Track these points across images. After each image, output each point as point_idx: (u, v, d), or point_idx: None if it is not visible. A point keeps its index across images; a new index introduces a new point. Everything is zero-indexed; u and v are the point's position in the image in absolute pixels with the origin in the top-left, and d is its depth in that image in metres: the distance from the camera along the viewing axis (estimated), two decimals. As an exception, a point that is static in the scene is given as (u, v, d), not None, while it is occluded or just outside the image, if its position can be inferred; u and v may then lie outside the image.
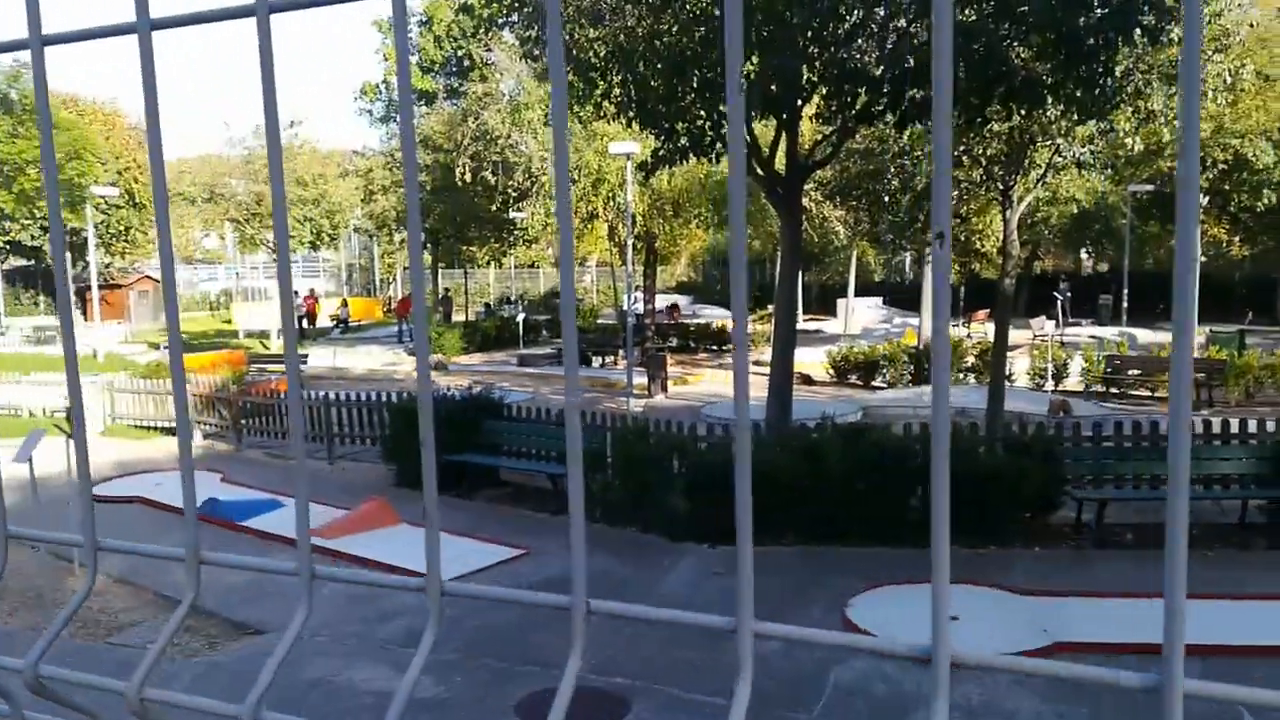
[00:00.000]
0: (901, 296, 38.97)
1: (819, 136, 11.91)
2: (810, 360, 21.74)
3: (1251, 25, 11.57)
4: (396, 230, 33.63)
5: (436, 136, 28.50)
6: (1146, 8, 8.47)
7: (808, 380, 20.89)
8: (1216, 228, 28.51)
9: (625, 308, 18.95)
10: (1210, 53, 10.64)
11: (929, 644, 0.67)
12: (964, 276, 27.15)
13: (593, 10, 10.23)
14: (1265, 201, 22.47)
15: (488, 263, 40.36)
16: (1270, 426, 9.91)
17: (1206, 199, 23.31)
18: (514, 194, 24.33)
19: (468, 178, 25.33)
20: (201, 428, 15.84)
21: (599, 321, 34.29)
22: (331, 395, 14.53)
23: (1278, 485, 9.07)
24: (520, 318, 29.94)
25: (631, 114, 10.63)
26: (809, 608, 7.58)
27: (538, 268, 49.38)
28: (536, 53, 11.00)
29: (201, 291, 50.76)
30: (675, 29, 9.84)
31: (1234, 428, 9.93)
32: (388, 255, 47.19)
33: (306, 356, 24.14)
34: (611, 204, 23.22)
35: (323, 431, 14.06)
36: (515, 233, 30.66)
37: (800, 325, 33.99)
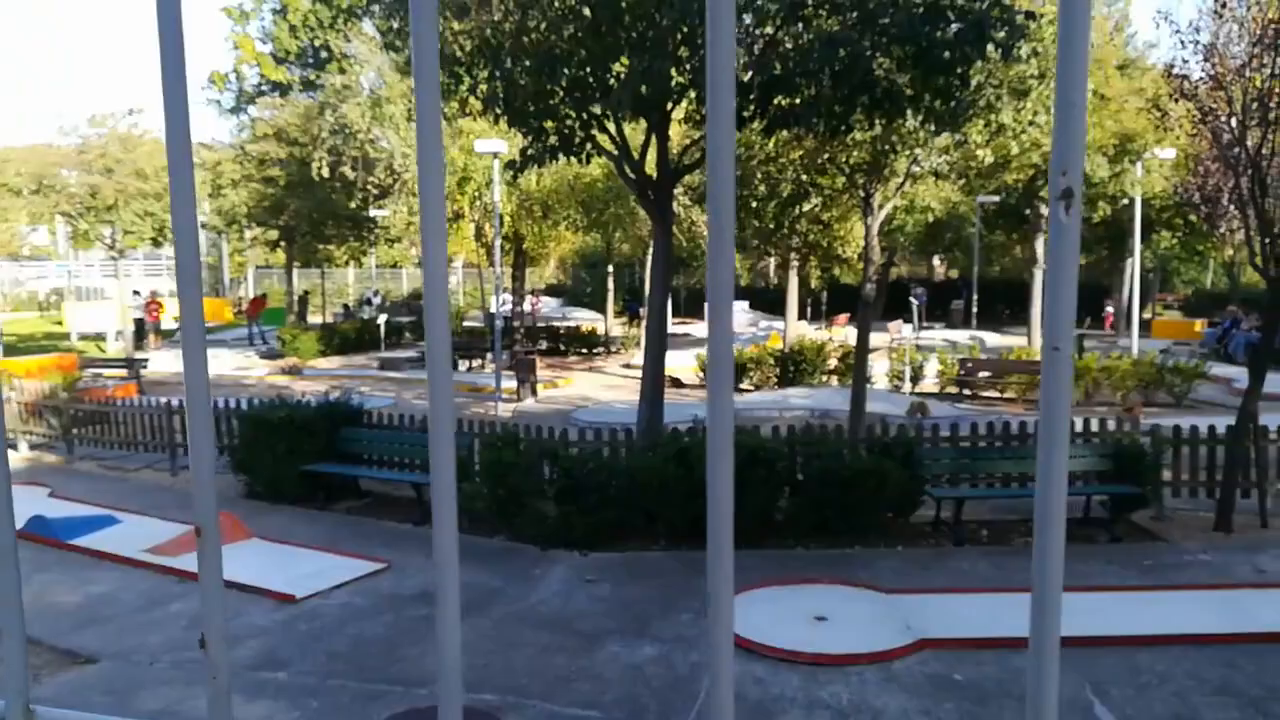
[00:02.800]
0: (767, 301, 39.89)
1: (689, 141, 11.92)
2: (681, 363, 21.89)
3: (1090, 46, 12.27)
4: (247, 227, 31.99)
5: (291, 130, 27.26)
6: (999, 24, 8.82)
7: (678, 383, 21.02)
8: (1055, 238, 30.26)
9: (493, 310, 18.57)
10: (1054, 71, 11.21)
11: None
12: (826, 281, 27.96)
13: (458, 3, 9.90)
14: (1100, 214, 24.05)
15: (347, 262, 38.94)
16: (1110, 426, 10.52)
17: (1047, 210, 24.72)
18: (375, 191, 23.52)
19: (325, 173, 24.32)
20: (27, 438, 14.57)
21: (466, 324, 33.63)
22: (175, 402, 13.61)
23: (1115, 481, 9.60)
24: (382, 320, 29.01)
25: (499, 111, 10.35)
26: (680, 612, 7.52)
27: (400, 268, 48.08)
28: (398, 44, 10.57)
29: (29, 290, 47.02)
30: (544, 26, 9.63)
31: (1078, 427, 10.48)
32: (238, 253, 44.90)
33: (146, 361, 22.61)
34: (478, 203, 22.74)
35: (165, 441, 13.17)
36: (376, 231, 29.69)
37: (671, 329, 34.38)
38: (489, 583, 8.35)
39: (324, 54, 28.50)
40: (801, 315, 30.73)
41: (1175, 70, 10.21)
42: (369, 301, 37.96)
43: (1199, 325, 29.17)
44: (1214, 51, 9.86)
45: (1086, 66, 0.54)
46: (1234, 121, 9.43)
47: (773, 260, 34.66)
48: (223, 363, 25.64)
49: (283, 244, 33.17)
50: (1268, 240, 9.26)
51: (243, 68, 35.10)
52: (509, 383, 19.27)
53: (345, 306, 38.52)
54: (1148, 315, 33.52)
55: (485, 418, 12.80)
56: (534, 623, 7.40)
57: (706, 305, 0.61)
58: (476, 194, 22.54)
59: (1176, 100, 10.30)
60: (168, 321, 30.08)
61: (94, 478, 12.96)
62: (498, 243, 17.20)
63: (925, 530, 9.69)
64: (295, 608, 7.72)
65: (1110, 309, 29.95)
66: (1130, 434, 10.21)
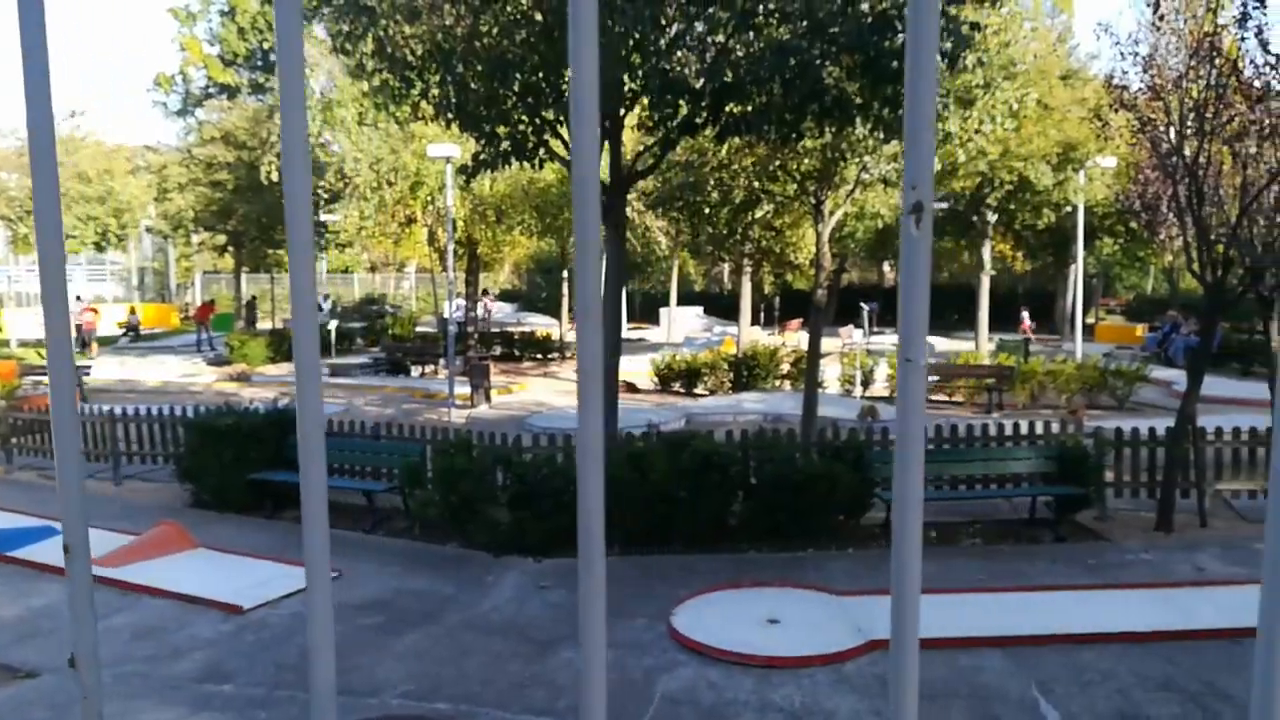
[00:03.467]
0: (721, 306, 40.12)
1: (642, 147, 11.96)
2: (635, 368, 21.92)
3: (1034, 57, 12.62)
4: (194, 231, 31.39)
5: (240, 133, 26.80)
6: (945, 34, 8.98)
7: (632, 388, 21.06)
8: (1002, 244, 30.97)
9: (446, 315, 18.44)
10: (999, 81, 11.49)
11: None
12: (779, 287, 28.18)
13: (408, 7, 9.83)
14: (1045, 220, 24.57)
15: (298, 267, 38.31)
16: (1055, 428, 10.74)
17: (994, 217, 25.26)
18: (325, 196, 23.24)
19: (275, 177, 23.93)
20: (-38, 448, 14.14)
21: (419, 329, 33.32)
22: (118, 410, 13.30)
23: (1059, 483, 9.80)
24: (332, 325, 28.64)
25: (451, 116, 10.29)
26: (634, 617, 7.52)
27: (352, 273, 47.52)
28: (348, 48, 10.46)
29: (-35, 296, 45.61)
30: (496, 30, 9.60)
31: (1023, 429, 10.69)
32: (185, 258, 44.04)
33: (89, 368, 22.07)
34: (431, 208, 22.56)
35: (108, 450, 12.87)
36: (327, 236, 29.31)
37: (625, 334, 34.39)
38: (441, 590, 8.28)
39: (273, 57, 28.08)
40: (755, 320, 30.97)
41: (1115, 81, 10.47)
42: (319, 307, 37.41)
43: (1140, 330, 29.94)
44: (1152, 63, 10.14)
45: (934, 88, 0.56)
46: (1172, 131, 9.70)
47: (726, 266, 34.88)
48: (169, 369, 25.12)
49: (231, 249, 32.59)
50: (1205, 247, 9.53)
51: (189, 70, 34.45)
52: (462, 389, 19.14)
53: (295, 312, 37.87)
54: (1091, 320, 34.30)
55: (438, 424, 12.69)
56: (487, 630, 7.35)
57: (575, 323, 0.61)
58: (429, 199, 22.36)
59: (1116, 110, 10.57)
60: (105, 327, 29.40)
61: (34, 488, 12.62)
62: (450, 247, 17.08)
63: (876, 532, 9.80)
64: (242, 618, 7.59)
65: (1026, 316, 30.80)
66: (1074, 436, 10.45)
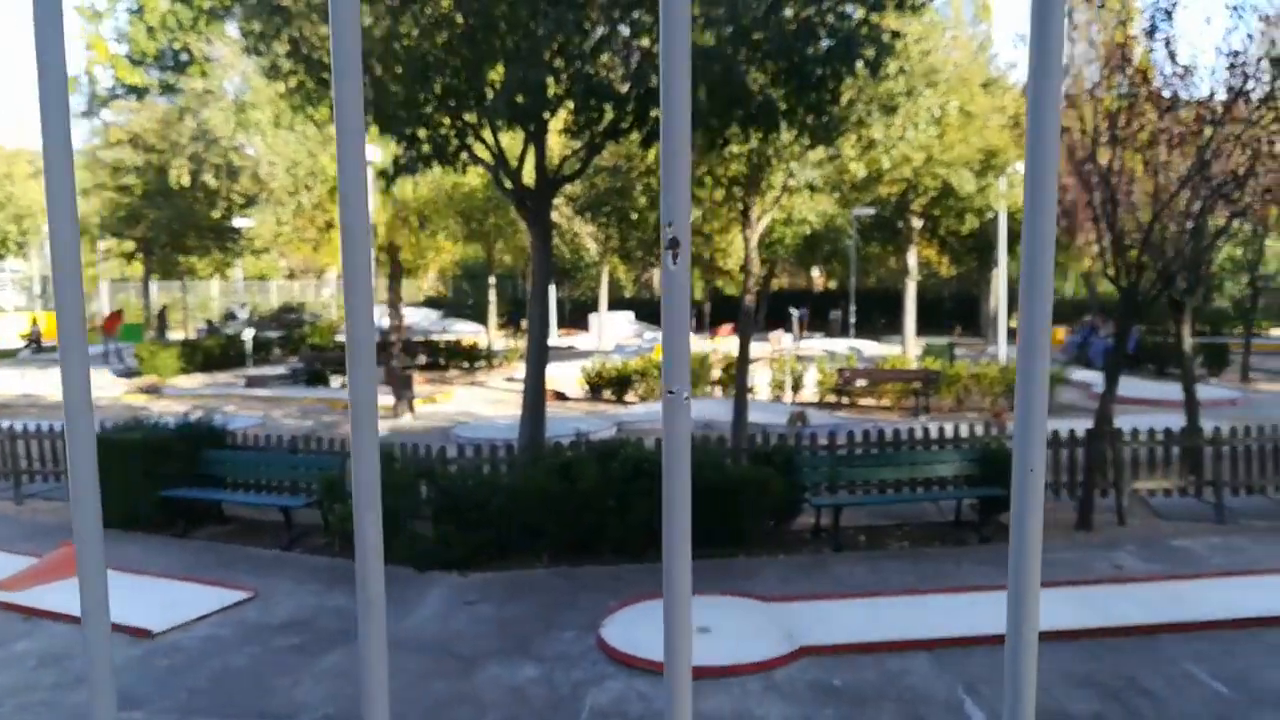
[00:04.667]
0: (652, 311, 40.14)
1: (568, 151, 11.82)
2: (565, 376, 21.71)
3: (955, 65, 12.86)
4: (100, 238, 30.16)
5: (148, 135, 25.83)
6: (868, 42, 9.05)
7: (562, 396, 20.84)
8: (928, 249, 31.63)
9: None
10: (922, 88, 11.66)
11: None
12: (709, 293, 28.27)
13: (324, 7, 9.53)
14: (968, 226, 25.12)
15: (211, 275, 37.19)
16: (979, 431, 10.91)
17: (919, 223, 25.74)
18: (240, 200, 22.52)
19: (186, 181, 23.15)
20: None
21: (339, 338, 32.55)
22: (19, 426, 12.62)
23: (986, 484, 9.94)
24: (248, 335, 27.79)
25: (369, 119, 10.01)
26: (563, 629, 7.36)
27: (269, 280, 46.26)
28: (261, 49, 10.10)
29: None
30: (416, 32, 9.36)
31: (949, 433, 10.83)
32: (91, 266, 42.30)
33: (-11, 381, 20.97)
34: (352, 214, 22.01)
35: (8, 468, 12.20)
36: (242, 242, 28.44)
37: (554, 341, 34.13)
38: (363, 609, 7.99)
39: (184, 57, 27.18)
40: (684, 326, 30.93)
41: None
42: (234, 316, 36.35)
43: (1061, 333, 30.83)
44: (1068, 72, 10.39)
45: (689, 127, 0.55)
46: (1087, 139, 9.94)
47: (657, 271, 34.88)
48: (74, 382, 24.00)
49: (140, 256, 31.40)
50: (1118, 252, 9.79)
51: (95, 70, 33.14)
52: (385, 399, 18.70)
53: (209, 321, 36.78)
54: (1014, 324, 35.20)
55: (360, 435, 12.33)
56: (411, 648, 7.11)
57: (346, 344, 0.61)
58: (350, 204, 21.79)
59: (1032, 118, 10.79)
60: (5, 339, 28.05)
61: (-78, 510, 11.88)
62: (372, 253, 16.66)
63: (805, 537, 9.81)
64: (152, 643, 7.21)
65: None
66: (997, 438, 10.62)
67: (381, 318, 25.81)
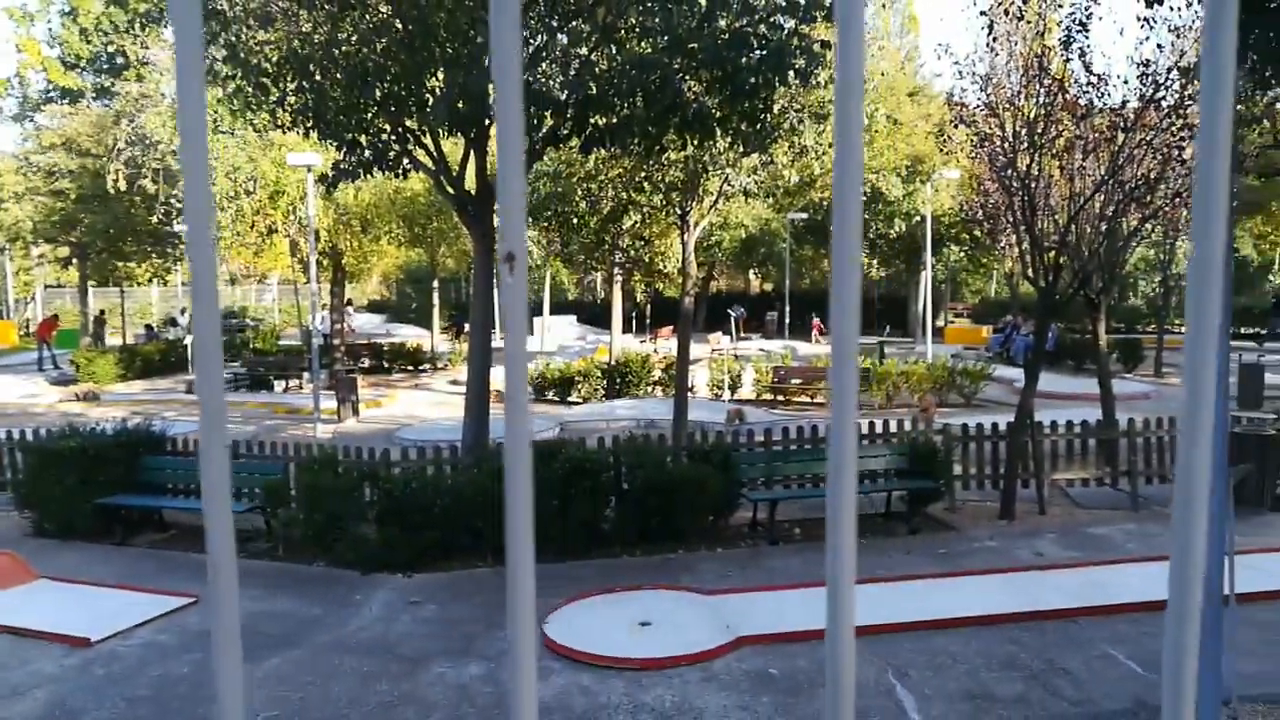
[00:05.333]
0: (594, 314, 40.31)
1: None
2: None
3: (883, 74, 13.30)
4: (34, 243, 29.39)
5: (83, 139, 25.28)
6: (799, 52, 9.35)
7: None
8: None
9: (311, 327, 17.90)
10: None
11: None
12: (649, 295, 28.57)
13: (262, 12, 9.56)
14: (896, 230, 25.79)
15: (150, 280, 36.44)
16: (907, 426, 11.31)
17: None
18: (179, 205, 22.18)
19: (122, 186, 22.73)
20: None
21: (282, 343, 32.17)
22: (-53, 436, 12.36)
23: (913, 478, 10.33)
24: (188, 340, 27.33)
25: (309, 124, 10.05)
26: (506, 630, 7.51)
27: (211, 286, 45.30)
28: (199, 52, 10.07)
29: None
30: (355, 38, 9.43)
31: (879, 428, 11.21)
32: (24, 272, 41.14)
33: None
34: (293, 218, 21.87)
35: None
36: (182, 247, 27.95)
37: (498, 343, 34.09)
38: (307, 611, 8.06)
39: (120, 60, 26.64)
40: (627, 328, 31.24)
41: (955, 98, 11.13)
42: (175, 321, 35.68)
43: (985, 331, 31.74)
44: (989, 82, 10.83)
45: (522, 150, 0.59)
46: (1007, 146, 10.38)
47: (599, 274, 35.07)
48: (8, 390, 23.44)
49: (75, 261, 30.67)
50: (1037, 254, 10.23)
51: (27, 73, 32.26)
52: (329, 403, 18.61)
53: (149, 327, 36.03)
54: (941, 323, 36.13)
55: (303, 440, 12.32)
56: (355, 650, 7.21)
57: (194, 347, 0.62)
58: (291, 208, 21.66)
59: (957, 126, 11.23)
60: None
61: None
62: (313, 258, 16.61)
63: (743, 532, 10.09)
64: (90, 651, 7.19)
65: (817, 319, 32.63)
66: (925, 433, 11.03)
67: (325, 321, 25.60)
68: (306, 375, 22.61)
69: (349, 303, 33.67)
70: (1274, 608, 7.40)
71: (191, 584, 8.66)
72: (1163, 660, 0.57)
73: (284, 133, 12.89)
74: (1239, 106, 10.10)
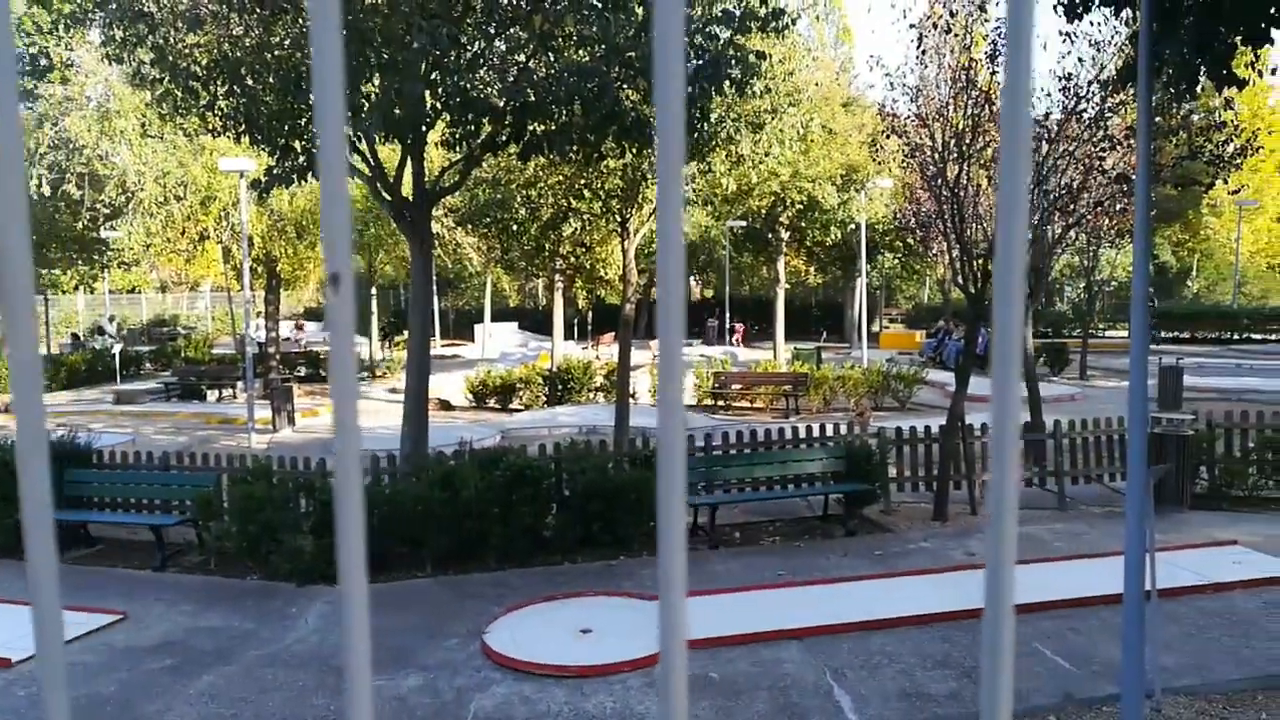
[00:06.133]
0: (536, 321, 40.19)
1: (447, 163, 11.89)
2: (450, 385, 21.61)
3: (817, 84, 13.53)
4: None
5: (4, 142, 24.37)
6: (734, 62, 9.48)
7: (447, 406, 20.76)
8: (796, 259, 32.81)
9: (245, 335, 17.55)
10: (785, 106, 12.23)
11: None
12: (591, 301, 28.61)
13: (191, 14, 9.37)
14: (833, 237, 26.23)
15: (76, 288, 35.36)
16: (843, 430, 11.50)
17: (787, 234, 26.75)
18: (105, 211, 21.58)
19: (46, 191, 22.02)
20: None
21: (215, 351, 31.46)
22: None
23: (849, 480, 10.51)
24: (116, 349, 26.59)
25: (241, 129, 9.87)
26: (447, 638, 7.46)
27: (139, 292, 44.20)
28: (125, 56, 9.83)
29: None
30: (288, 42, 9.30)
31: (816, 432, 11.38)
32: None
33: None
34: (225, 224, 21.43)
35: None
36: (109, 254, 27.20)
37: (439, 350, 33.77)
38: (240, 626, 7.90)
39: (43, 62, 25.83)
40: (569, 335, 31.24)
41: (887, 109, 11.37)
42: (103, 330, 34.65)
43: (919, 337, 32.42)
44: (919, 93, 11.09)
45: (344, 175, 0.58)
46: (937, 156, 10.64)
47: (540, 281, 34.98)
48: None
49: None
50: (966, 261, 10.50)
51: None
52: (264, 413, 18.26)
53: (75, 335, 34.96)
54: (876, 328, 36.81)
55: (236, 451, 12.08)
56: (291, 663, 7.09)
57: (9, 363, 0.60)
58: (223, 214, 21.23)
59: (888, 136, 11.48)
60: None
61: None
62: (246, 265, 16.30)
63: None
64: (11, 672, 6.96)
65: (739, 325, 33.20)
66: (860, 436, 11.23)
67: (259, 330, 25.10)
68: (240, 384, 22.14)
69: (300, 327, 33.05)
70: (1193, 603, 7.68)
71: (120, 600, 8.44)
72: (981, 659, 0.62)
73: (215, 137, 12.64)
74: (1157, 119, 10.50)
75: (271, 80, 9.38)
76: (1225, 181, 11.52)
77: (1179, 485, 10.50)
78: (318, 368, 26.92)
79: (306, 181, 10.28)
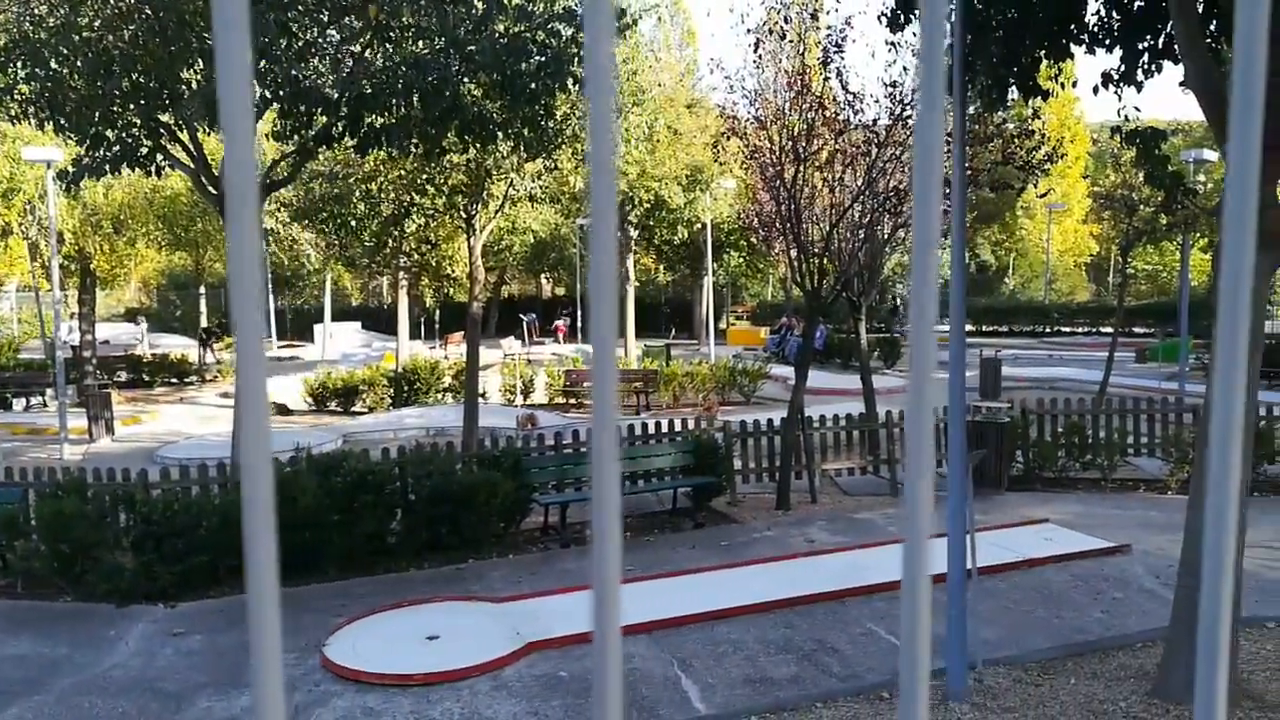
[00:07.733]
0: (381, 320, 39.01)
1: (279, 155, 11.36)
2: (287, 388, 20.68)
3: (660, 85, 13.73)
4: None
5: None
6: (578, 59, 9.48)
7: (284, 410, 19.86)
8: (646, 258, 33.21)
9: (56, 339, 16.25)
10: (630, 107, 12.33)
11: None
12: (439, 300, 28.02)
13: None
14: (680, 236, 26.70)
15: None
16: (691, 425, 11.71)
17: (636, 233, 27.04)
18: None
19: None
20: None
21: (22, 356, 28.93)
22: None
23: (698, 474, 10.71)
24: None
25: (44, 115, 9.10)
26: (284, 653, 7.12)
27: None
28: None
29: None
30: (98, 23, 8.64)
31: (665, 427, 11.54)
32: None
33: None
34: (31, 218, 19.77)
35: None
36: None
37: (275, 352, 32.27)
38: (51, 653, 7.30)
39: None
40: (416, 334, 30.48)
41: (727, 111, 11.65)
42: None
43: (763, 333, 33.46)
44: (758, 96, 11.41)
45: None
46: (775, 158, 10.97)
47: (385, 279, 34.01)
48: None
49: None
50: (803, 259, 10.88)
51: None
52: (78, 421, 16.94)
53: None
54: (724, 325, 37.74)
55: (46, 463, 11.16)
56: (109, 691, 6.60)
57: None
58: (29, 207, 19.57)
59: (729, 138, 11.76)
60: None
61: None
62: (55, 263, 15.09)
63: (535, 536, 10.08)
64: None
65: (563, 321, 33.89)
66: (707, 430, 11.46)
67: (72, 333, 23.29)
68: (51, 391, 20.45)
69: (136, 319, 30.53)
70: (1010, 579, 8.24)
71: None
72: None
73: (15, 124, 11.62)
74: (975, 126, 11.19)
75: (79, 64, 8.70)
76: (1035, 185, 12.41)
77: (997, 468, 11.23)
78: (140, 372, 25.20)
79: (119, 173, 9.59)
